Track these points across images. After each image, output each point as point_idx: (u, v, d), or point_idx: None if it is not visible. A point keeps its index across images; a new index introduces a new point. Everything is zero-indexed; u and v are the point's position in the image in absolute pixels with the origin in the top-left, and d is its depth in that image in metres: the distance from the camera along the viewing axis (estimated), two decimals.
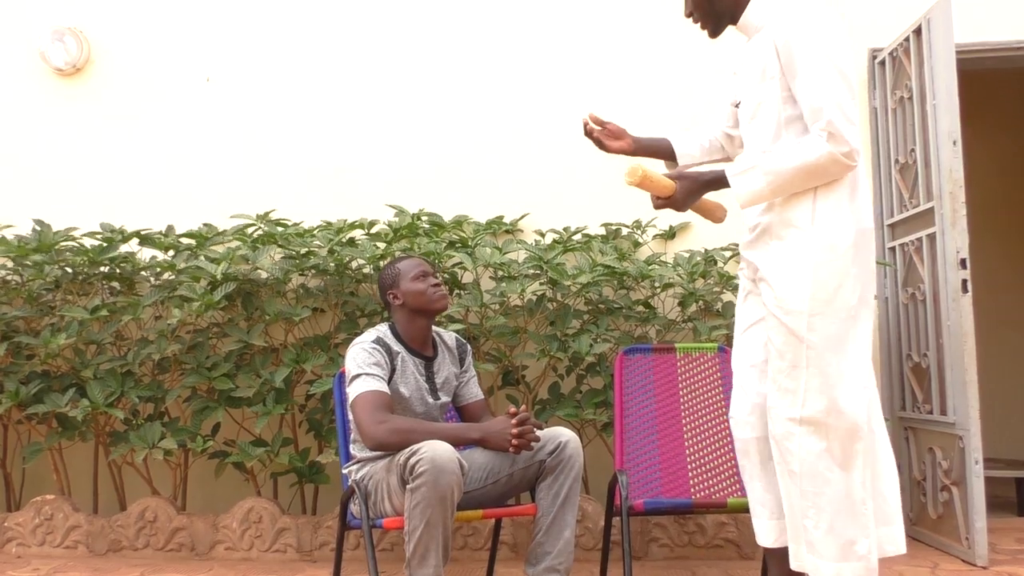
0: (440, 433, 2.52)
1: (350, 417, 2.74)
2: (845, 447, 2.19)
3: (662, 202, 2.31)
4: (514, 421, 2.58)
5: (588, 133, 2.58)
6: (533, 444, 2.60)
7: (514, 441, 2.55)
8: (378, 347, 2.69)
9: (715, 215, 2.48)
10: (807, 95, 2.18)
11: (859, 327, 2.24)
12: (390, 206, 3.87)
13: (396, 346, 2.74)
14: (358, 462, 2.73)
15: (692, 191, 2.31)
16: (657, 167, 2.48)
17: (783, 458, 2.25)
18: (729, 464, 3.06)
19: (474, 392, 2.94)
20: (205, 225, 3.81)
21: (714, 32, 2.43)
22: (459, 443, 2.55)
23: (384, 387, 2.63)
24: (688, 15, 2.44)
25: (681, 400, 3.21)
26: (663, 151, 2.63)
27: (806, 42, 2.19)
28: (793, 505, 2.25)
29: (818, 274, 2.20)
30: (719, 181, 2.30)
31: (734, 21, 2.40)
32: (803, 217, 2.23)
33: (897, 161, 3.80)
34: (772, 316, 2.26)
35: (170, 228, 3.79)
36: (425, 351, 2.81)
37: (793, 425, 2.22)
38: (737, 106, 2.43)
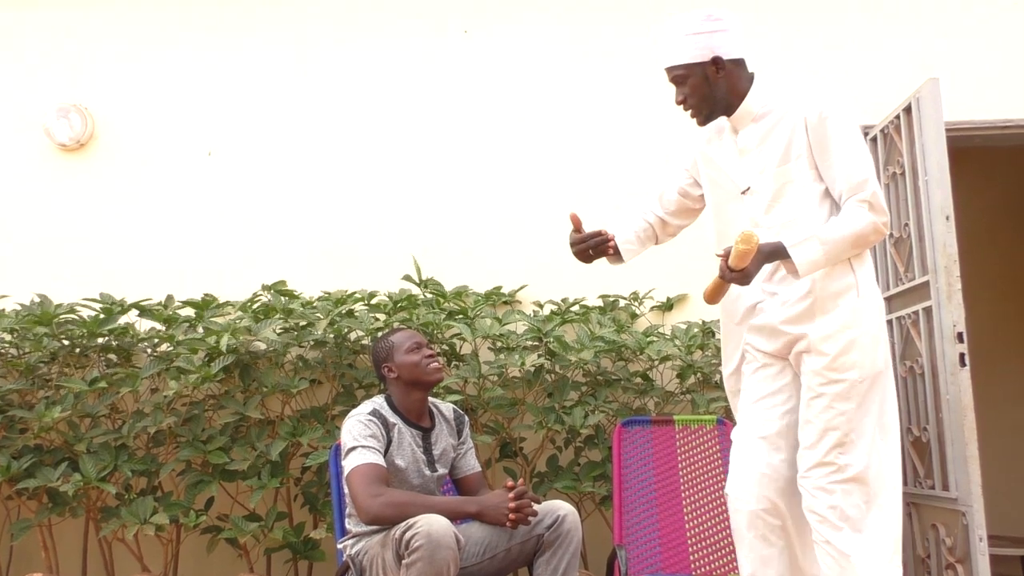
0: (437, 506, 2.49)
1: (346, 491, 2.71)
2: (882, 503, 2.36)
3: (736, 275, 2.29)
4: (511, 495, 2.55)
5: (578, 233, 2.62)
6: (531, 518, 2.57)
7: (511, 515, 2.52)
8: (374, 419, 2.67)
9: (719, 295, 2.48)
10: (845, 170, 2.33)
11: (891, 388, 2.43)
12: (407, 279, 3.84)
13: (392, 418, 2.73)
14: (353, 536, 2.69)
15: (758, 262, 2.33)
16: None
17: (825, 523, 2.30)
18: (730, 539, 3.02)
19: (471, 464, 2.91)
20: (206, 295, 3.81)
21: (706, 120, 2.51)
22: (456, 517, 2.52)
23: (380, 460, 2.61)
24: (680, 102, 2.49)
25: (680, 473, 3.19)
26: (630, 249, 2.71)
27: (839, 122, 2.35)
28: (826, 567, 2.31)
29: (868, 340, 2.36)
30: (777, 252, 2.34)
31: (728, 111, 2.47)
32: (849, 288, 2.37)
33: (891, 235, 3.83)
34: (824, 387, 2.33)
35: (169, 298, 3.79)
36: (422, 422, 2.79)
37: (837, 486, 2.31)
38: (745, 192, 2.47)
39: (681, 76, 2.44)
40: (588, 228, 2.61)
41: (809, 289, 2.38)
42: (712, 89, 2.43)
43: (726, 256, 2.27)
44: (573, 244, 2.62)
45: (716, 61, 2.41)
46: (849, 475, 2.31)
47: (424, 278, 3.88)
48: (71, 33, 4.32)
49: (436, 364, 2.77)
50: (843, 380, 2.33)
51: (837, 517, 2.30)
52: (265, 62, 4.26)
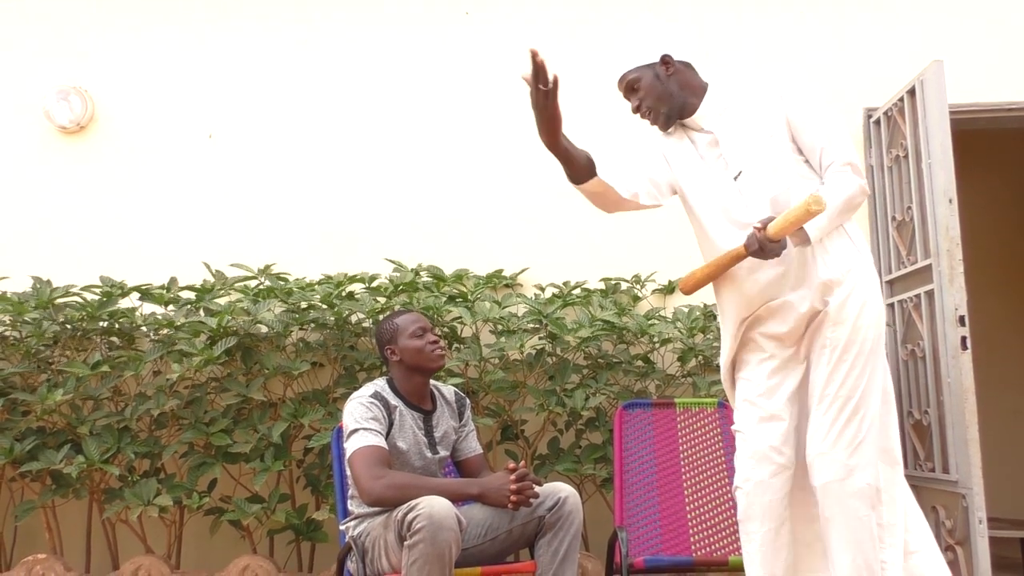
0: (438, 488, 2.50)
1: (348, 472, 2.72)
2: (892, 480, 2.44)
3: (775, 245, 2.30)
4: (513, 477, 2.55)
5: (538, 77, 2.31)
6: (532, 500, 2.57)
7: (512, 497, 2.53)
8: (376, 401, 2.68)
9: (700, 285, 2.52)
10: (823, 140, 2.41)
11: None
12: (389, 261, 3.88)
13: (394, 400, 2.73)
14: (356, 518, 2.70)
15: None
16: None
17: (843, 506, 2.33)
18: (730, 521, 3.03)
19: (473, 447, 2.92)
20: (215, 273, 3.80)
21: (666, 122, 2.58)
22: (457, 499, 2.53)
23: (382, 442, 2.61)
24: (636, 110, 2.57)
25: (681, 455, 3.20)
26: (577, 160, 2.51)
27: (808, 96, 2.45)
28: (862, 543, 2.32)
29: (875, 298, 2.43)
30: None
31: (685, 112, 2.54)
32: (849, 250, 2.42)
33: (894, 218, 3.83)
34: (846, 354, 2.37)
35: (172, 280, 3.79)
36: (423, 405, 2.80)
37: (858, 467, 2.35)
38: (737, 177, 2.48)
39: (634, 80, 2.52)
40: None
41: (815, 259, 2.41)
42: (665, 87, 2.51)
43: (763, 227, 2.27)
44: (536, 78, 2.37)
45: (665, 60, 2.50)
46: (871, 447, 2.36)
47: (423, 263, 3.88)
48: (72, 15, 4.30)
49: (439, 351, 2.77)
50: (863, 342, 2.38)
51: (872, 493, 2.34)
52: (266, 45, 4.25)
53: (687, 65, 2.54)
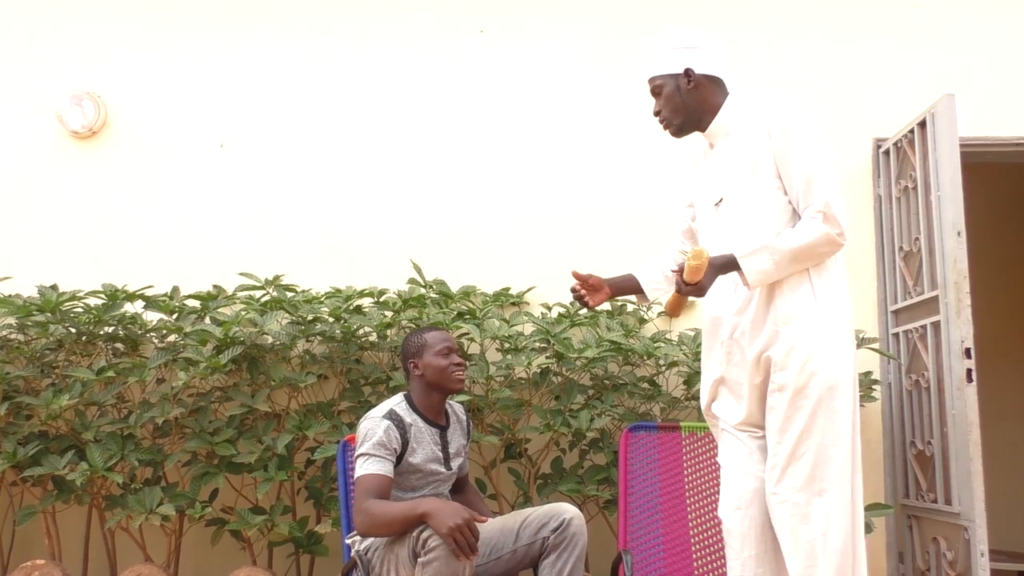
0: (392, 512, 2.48)
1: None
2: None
3: (691, 288, 2.34)
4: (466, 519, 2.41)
5: (575, 292, 2.64)
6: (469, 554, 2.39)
7: (455, 535, 2.35)
8: (391, 424, 2.66)
9: (679, 308, 2.54)
10: (803, 180, 2.36)
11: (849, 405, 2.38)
12: (415, 270, 3.86)
13: (410, 418, 2.74)
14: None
15: (711, 275, 2.36)
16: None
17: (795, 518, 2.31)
18: None
19: (466, 466, 2.99)
20: (215, 287, 3.81)
21: (678, 131, 2.58)
22: (410, 522, 2.44)
23: (385, 469, 2.60)
24: (656, 113, 2.59)
25: (686, 479, 3.19)
26: (631, 288, 2.74)
27: (801, 131, 2.39)
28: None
29: (827, 353, 2.34)
30: (731, 264, 2.37)
31: (701, 126, 2.55)
32: (806, 300, 2.37)
33: (901, 249, 3.84)
34: (790, 402, 2.34)
35: (175, 289, 3.79)
36: (439, 421, 2.82)
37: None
38: (718, 204, 2.51)
39: (657, 87, 2.54)
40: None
41: (770, 306, 2.40)
42: (683, 99, 2.51)
43: (680, 271, 2.33)
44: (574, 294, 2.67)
45: (687, 73, 2.49)
46: (820, 499, 2.31)
47: (431, 279, 3.89)
48: (85, 20, 4.32)
49: (460, 374, 2.78)
50: (809, 389, 2.32)
51: (817, 547, 2.30)
52: (279, 56, 4.27)
53: (711, 79, 2.52)
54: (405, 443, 2.68)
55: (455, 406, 2.94)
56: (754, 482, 2.42)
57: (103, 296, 3.68)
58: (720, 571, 3.00)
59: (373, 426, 2.66)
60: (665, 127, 2.58)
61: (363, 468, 2.60)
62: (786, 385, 2.34)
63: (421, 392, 2.79)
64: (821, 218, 2.32)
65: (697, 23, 4.11)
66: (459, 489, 2.95)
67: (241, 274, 3.77)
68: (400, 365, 3.33)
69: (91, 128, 4.22)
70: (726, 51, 2.57)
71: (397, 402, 2.77)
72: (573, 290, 2.64)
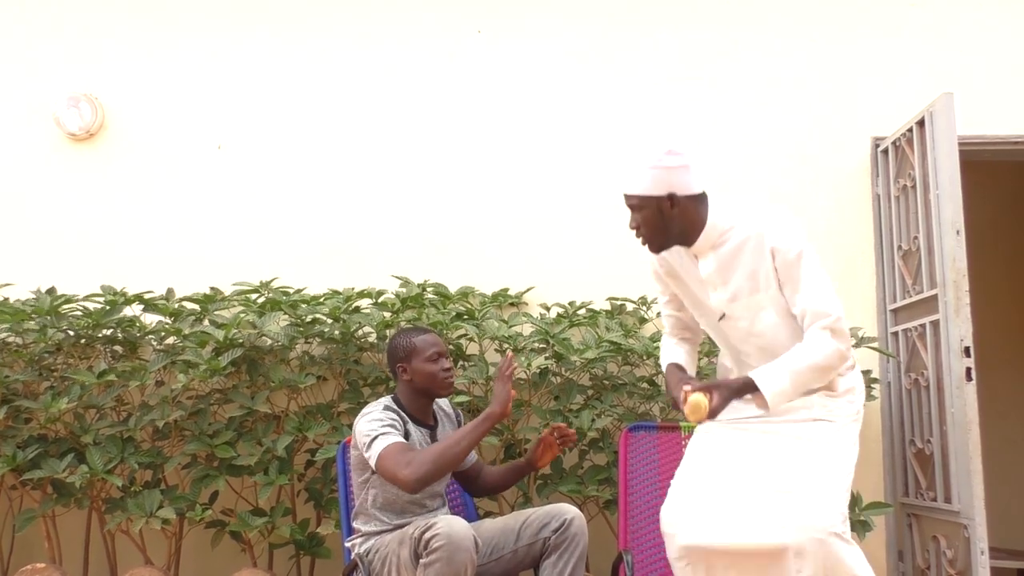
0: (459, 437, 2.58)
1: (354, 491, 2.72)
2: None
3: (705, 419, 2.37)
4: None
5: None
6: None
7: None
8: (389, 410, 2.69)
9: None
10: (810, 300, 2.37)
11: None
12: (395, 277, 3.89)
13: (400, 418, 2.74)
14: (361, 536, 2.70)
15: (727, 399, 2.37)
16: None
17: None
18: None
19: (472, 456, 2.95)
20: (212, 289, 3.81)
21: (659, 249, 2.49)
22: (482, 436, 2.58)
23: (401, 439, 2.60)
24: (634, 228, 2.45)
25: None
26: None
27: (802, 252, 2.37)
28: None
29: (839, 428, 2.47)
30: (747, 387, 2.38)
31: (684, 242, 2.46)
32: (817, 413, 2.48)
33: (900, 247, 3.85)
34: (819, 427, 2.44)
35: (170, 291, 3.78)
36: (427, 421, 2.81)
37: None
38: (721, 319, 2.51)
39: (636, 205, 2.41)
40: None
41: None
42: (666, 223, 2.40)
43: (686, 404, 2.35)
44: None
45: (671, 197, 2.37)
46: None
47: (429, 280, 3.88)
48: (84, 23, 4.31)
49: (451, 379, 2.76)
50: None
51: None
52: (277, 58, 4.26)
53: (694, 198, 2.41)
54: (406, 435, 2.68)
55: (441, 402, 2.93)
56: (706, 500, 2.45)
57: (100, 300, 3.67)
58: None
59: (374, 412, 2.66)
60: (643, 243, 2.48)
61: (382, 443, 2.56)
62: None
63: (409, 395, 2.78)
64: (830, 334, 2.35)
65: (697, 23, 4.16)
66: (474, 477, 2.95)
67: (235, 284, 3.76)
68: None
69: (88, 130, 4.22)
70: (708, 160, 2.53)
71: (387, 403, 2.77)
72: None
